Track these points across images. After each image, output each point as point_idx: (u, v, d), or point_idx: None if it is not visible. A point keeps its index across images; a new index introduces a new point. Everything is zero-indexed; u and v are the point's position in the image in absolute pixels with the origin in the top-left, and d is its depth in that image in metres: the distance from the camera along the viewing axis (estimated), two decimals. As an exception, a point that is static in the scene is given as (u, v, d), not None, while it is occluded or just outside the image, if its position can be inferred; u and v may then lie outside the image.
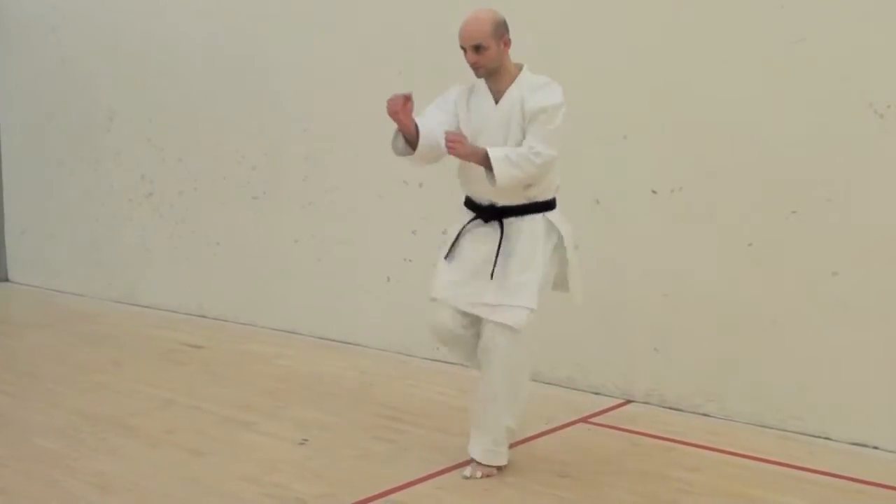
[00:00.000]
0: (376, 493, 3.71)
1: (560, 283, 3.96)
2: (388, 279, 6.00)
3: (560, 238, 3.87)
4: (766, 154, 4.41)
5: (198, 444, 4.34)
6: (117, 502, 3.68)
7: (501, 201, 3.85)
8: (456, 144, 3.68)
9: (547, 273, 3.86)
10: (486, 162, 3.68)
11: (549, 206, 3.89)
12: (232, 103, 6.88)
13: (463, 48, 3.78)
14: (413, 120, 3.72)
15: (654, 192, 4.77)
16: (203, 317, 7.21)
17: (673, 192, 4.71)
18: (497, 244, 3.82)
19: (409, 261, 5.87)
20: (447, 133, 3.71)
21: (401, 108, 3.66)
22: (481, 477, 3.85)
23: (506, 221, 3.84)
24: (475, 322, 3.89)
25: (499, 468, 3.90)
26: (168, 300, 7.52)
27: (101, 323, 7.19)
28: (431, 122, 3.83)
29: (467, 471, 3.88)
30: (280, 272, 6.69)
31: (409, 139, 3.77)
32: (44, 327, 7.14)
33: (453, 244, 3.94)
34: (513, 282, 3.77)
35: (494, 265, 3.80)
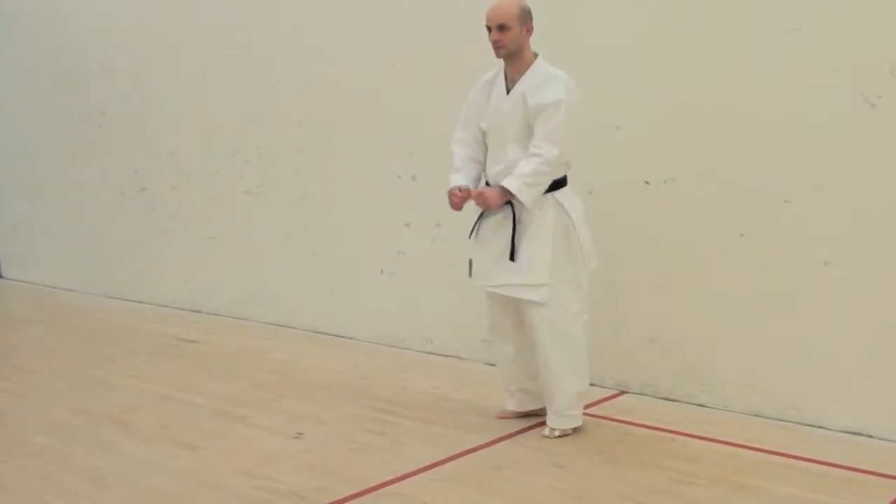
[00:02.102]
0: (371, 485, 3.72)
1: (573, 253, 4.18)
2: (382, 272, 5.99)
3: (568, 215, 4.14)
4: (757, 144, 4.40)
5: (192, 438, 4.33)
6: (112, 497, 3.68)
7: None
8: (484, 201, 4.10)
9: (560, 248, 4.12)
10: (511, 195, 4.03)
11: (556, 185, 4.12)
12: (224, 97, 6.86)
13: (488, 27, 4.08)
14: (466, 187, 4.17)
15: (647, 182, 4.77)
16: (197, 311, 7.20)
17: (666, 183, 4.71)
18: (511, 229, 4.11)
19: (403, 253, 5.86)
20: (471, 197, 4.15)
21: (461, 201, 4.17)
22: (559, 436, 4.20)
23: (517, 206, 4.11)
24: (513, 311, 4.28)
25: (574, 429, 4.25)
26: (161, 295, 7.51)
27: (94, 318, 7.18)
28: (468, 164, 4.29)
29: (546, 430, 4.25)
30: (273, 266, 6.68)
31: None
32: (37, 323, 7.13)
33: (474, 227, 4.28)
34: (528, 262, 4.10)
35: (513, 248, 4.12)
